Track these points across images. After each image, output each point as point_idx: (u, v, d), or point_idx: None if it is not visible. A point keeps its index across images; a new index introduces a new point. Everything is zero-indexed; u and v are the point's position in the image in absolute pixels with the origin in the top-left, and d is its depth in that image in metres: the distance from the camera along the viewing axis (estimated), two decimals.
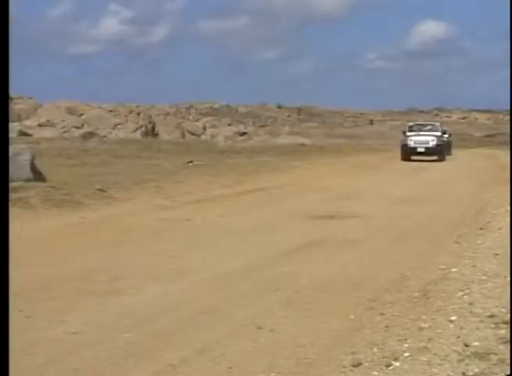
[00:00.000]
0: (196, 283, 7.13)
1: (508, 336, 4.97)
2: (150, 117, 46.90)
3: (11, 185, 12.54)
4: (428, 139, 34.14)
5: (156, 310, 6.04)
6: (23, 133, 37.23)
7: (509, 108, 59.74)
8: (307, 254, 8.77)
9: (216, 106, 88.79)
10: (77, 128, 42.11)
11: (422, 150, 33.73)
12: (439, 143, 34.12)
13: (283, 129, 65.70)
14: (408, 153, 33.91)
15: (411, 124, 37.30)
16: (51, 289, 6.77)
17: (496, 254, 8.19)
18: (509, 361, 4.47)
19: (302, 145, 42.31)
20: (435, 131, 35.28)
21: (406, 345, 4.99)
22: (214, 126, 58.95)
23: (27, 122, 43.18)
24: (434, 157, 33.39)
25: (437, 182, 21.13)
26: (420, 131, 35.40)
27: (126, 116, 45.44)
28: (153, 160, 24.61)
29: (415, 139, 34.16)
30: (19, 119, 42.72)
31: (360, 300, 6.38)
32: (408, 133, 34.87)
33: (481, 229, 10.63)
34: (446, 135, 37.12)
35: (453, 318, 5.59)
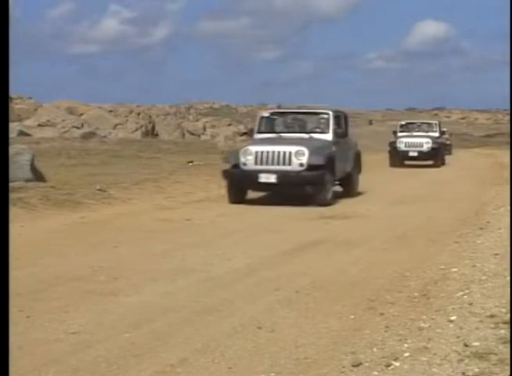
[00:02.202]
0: (196, 283, 7.13)
1: (508, 336, 4.97)
2: (150, 117, 46.85)
3: (11, 185, 12.55)
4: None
5: (155, 310, 6.03)
6: (23, 133, 37.20)
7: (509, 108, 59.85)
8: (307, 254, 8.77)
9: (216, 106, 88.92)
10: (77, 128, 42.05)
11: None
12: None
13: None
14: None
15: (268, 114, 16.35)
16: (51, 289, 6.76)
17: (496, 254, 8.20)
18: (509, 361, 4.47)
19: None
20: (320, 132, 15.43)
21: (406, 345, 4.99)
22: (214, 126, 58.92)
23: (27, 122, 43.12)
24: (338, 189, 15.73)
25: (436, 182, 21.12)
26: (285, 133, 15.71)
27: (126, 116, 45.39)
28: (153, 161, 24.61)
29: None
30: (19, 119, 42.68)
31: (360, 300, 6.38)
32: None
33: (480, 229, 10.63)
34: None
35: (453, 318, 5.59)
